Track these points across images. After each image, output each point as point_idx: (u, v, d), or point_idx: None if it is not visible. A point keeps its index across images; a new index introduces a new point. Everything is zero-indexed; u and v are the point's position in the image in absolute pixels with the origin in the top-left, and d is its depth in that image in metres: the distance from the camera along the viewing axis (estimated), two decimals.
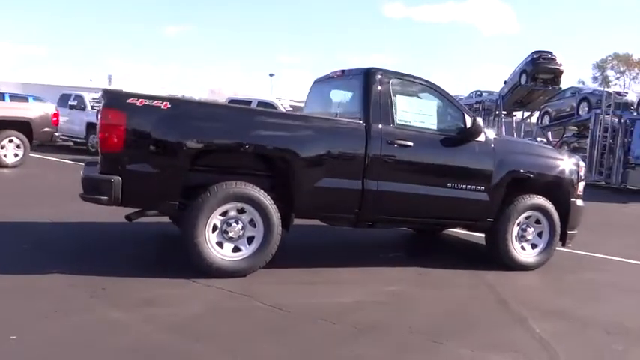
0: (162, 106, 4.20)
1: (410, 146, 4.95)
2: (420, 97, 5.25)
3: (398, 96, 5.04)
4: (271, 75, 60.03)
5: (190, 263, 4.40)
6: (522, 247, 5.57)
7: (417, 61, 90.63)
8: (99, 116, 4.47)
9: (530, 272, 5.47)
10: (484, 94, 26.88)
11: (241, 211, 4.47)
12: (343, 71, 5.56)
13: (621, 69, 66.80)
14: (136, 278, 4.26)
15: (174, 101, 4.28)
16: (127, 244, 5.49)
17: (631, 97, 19.82)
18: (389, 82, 5.04)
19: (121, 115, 4.11)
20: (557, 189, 5.69)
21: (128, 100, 4.14)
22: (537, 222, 5.60)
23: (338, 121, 4.83)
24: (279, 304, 3.90)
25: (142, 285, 4.13)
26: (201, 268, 4.38)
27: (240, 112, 4.75)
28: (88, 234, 5.77)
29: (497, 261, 5.51)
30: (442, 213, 5.29)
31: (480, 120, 5.12)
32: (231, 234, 4.45)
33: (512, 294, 4.66)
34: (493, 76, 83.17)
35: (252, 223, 4.52)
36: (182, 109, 4.35)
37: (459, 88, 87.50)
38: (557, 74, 21.20)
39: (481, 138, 5.25)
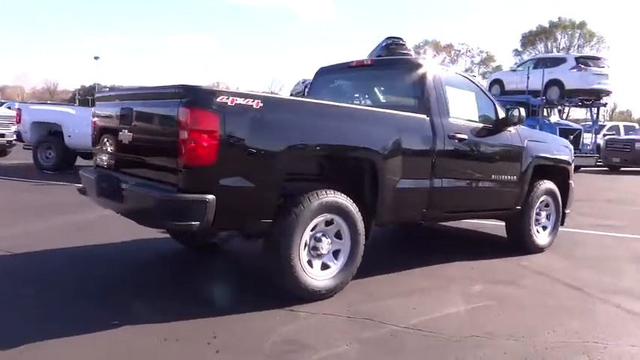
0: (254, 105, 3.44)
1: (465, 139, 4.79)
2: (460, 88, 5.08)
3: (446, 87, 4.82)
4: (96, 58, 55.24)
5: (257, 287, 3.78)
6: (537, 231, 5.79)
7: (245, 45, 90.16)
8: (131, 121, 3.60)
9: (546, 254, 5.72)
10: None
11: (329, 223, 3.91)
12: (376, 60, 5.15)
13: (432, 54, 74.20)
14: (226, 316, 3.49)
15: (266, 99, 3.53)
16: (145, 270, 4.51)
17: None
18: (438, 73, 4.80)
19: (213, 117, 3.27)
20: (561, 172, 6.01)
21: (219, 99, 3.31)
22: (546, 205, 5.87)
23: (408, 116, 4.46)
24: (411, 325, 3.49)
25: (247, 323, 3.40)
26: (296, 293, 3.76)
27: (336, 109, 4.11)
28: (85, 263, 4.60)
29: (520, 247, 5.66)
30: (489, 204, 5.25)
31: (522, 110, 5.13)
32: (321, 250, 3.88)
33: (567, 276, 4.80)
34: (315, 60, 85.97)
35: (337, 235, 3.99)
36: (275, 107, 3.61)
37: (289, 74, 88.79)
38: None
39: (511, 127, 5.30)
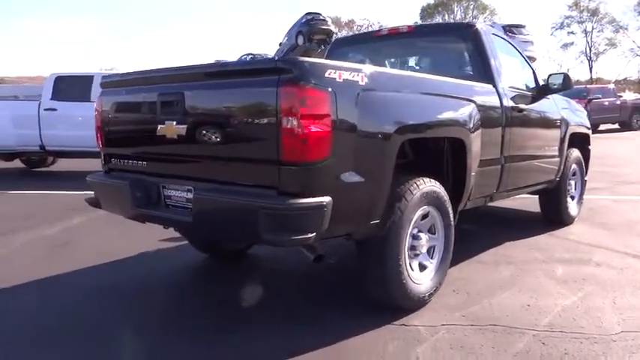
0: (359, 81, 2.74)
1: (524, 110, 4.37)
2: (508, 54, 4.62)
3: (500, 54, 4.35)
4: None
5: (336, 300, 3.13)
6: (568, 202, 5.56)
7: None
8: (182, 110, 2.86)
9: (578, 225, 5.51)
10: (257, 56, 26.66)
11: (424, 217, 3.33)
12: (416, 27, 4.57)
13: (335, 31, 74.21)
14: (343, 341, 2.82)
15: (370, 73, 2.82)
16: (202, 287, 3.68)
17: None
18: (491, 37, 4.31)
19: (325, 98, 2.54)
20: (584, 139, 5.80)
21: (327, 74, 2.58)
22: (574, 174, 5.65)
23: (482, 86, 3.92)
24: (548, 327, 3.02)
25: (370, 347, 2.75)
26: (403, 304, 3.17)
27: (432, 82, 3.45)
28: (107, 294, 3.65)
29: (556, 220, 5.41)
30: (540, 177, 4.88)
31: (566, 76, 4.77)
32: (419, 249, 3.30)
33: (624, 247, 4.58)
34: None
35: (430, 230, 3.42)
36: (380, 82, 2.91)
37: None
38: (329, 35, 22.30)
39: (548, 95, 4.95)
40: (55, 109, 9.32)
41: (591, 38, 54.32)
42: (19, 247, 4.87)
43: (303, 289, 3.75)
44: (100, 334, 2.99)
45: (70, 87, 9.40)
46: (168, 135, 3.02)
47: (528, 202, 6.09)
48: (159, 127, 3.05)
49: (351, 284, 3.70)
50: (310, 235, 2.50)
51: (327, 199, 2.54)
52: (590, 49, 54.52)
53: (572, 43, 55.45)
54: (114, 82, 3.49)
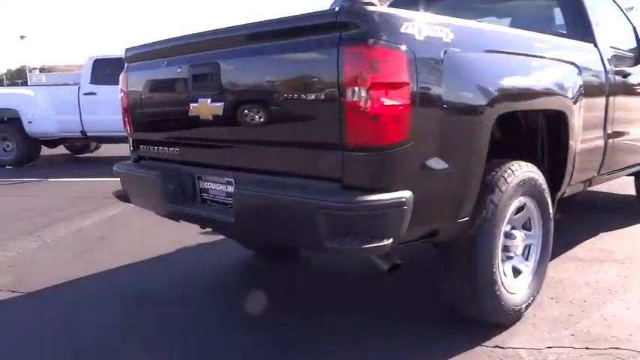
0: (444, 37, 2.09)
1: (629, 74, 3.60)
2: (604, 5, 3.83)
3: (597, 5, 3.57)
4: None
5: (405, 314, 2.51)
6: None
7: None
8: (217, 84, 2.27)
9: None
10: None
11: (519, 210, 2.67)
12: None
13: None
14: None
15: (457, 27, 2.17)
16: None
17: None
18: None
19: (401, 60, 1.92)
20: None
21: (403, 28, 1.94)
22: None
23: (581, 45, 3.20)
24: None
25: None
26: (494, 318, 2.55)
27: (530, 40, 2.78)
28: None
29: None
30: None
31: None
32: (513, 250, 2.65)
33: None
34: None
35: (525, 225, 2.75)
36: (470, 39, 2.26)
37: None
38: None
39: None
40: (94, 94, 9.01)
41: None
42: (52, 242, 4.49)
43: (365, 296, 3.15)
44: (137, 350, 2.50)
45: (109, 70, 9.03)
46: (202, 115, 2.47)
47: (614, 185, 5.27)
48: (191, 106, 2.50)
49: (424, 290, 3.09)
50: (386, 243, 1.90)
51: (406, 194, 1.93)
52: None
53: None
54: (140, 55, 2.95)
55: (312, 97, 2.02)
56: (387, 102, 1.87)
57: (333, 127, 1.95)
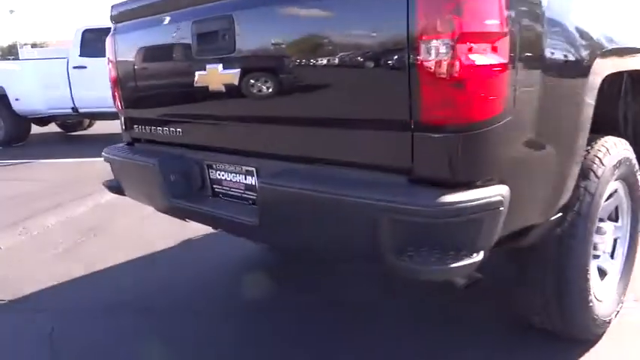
0: None
1: None
2: None
3: None
4: None
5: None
6: None
7: None
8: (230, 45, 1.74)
9: None
10: None
11: (607, 198, 2.14)
12: None
13: None
14: None
15: None
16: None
17: None
18: None
19: (495, 3, 1.36)
20: None
21: None
22: None
23: None
24: None
25: None
26: (581, 334, 2.05)
27: None
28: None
29: None
30: None
31: None
32: (601, 247, 2.14)
33: None
34: None
35: (610, 216, 2.24)
36: None
37: None
38: None
39: None
40: (84, 67, 8.36)
41: None
42: (40, 235, 3.97)
43: (418, 302, 2.64)
44: None
45: (100, 41, 8.38)
46: (211, 86, 1.92)
47: None
48: (197, 74, 1.95)
49: (489, 298, 2.59)
50: (477, 259, 1.38)
51: (503, 189, 1.41)
52: None
53: None
54: (130, 12, 2.38)
55: (368, 56, 1.47)
56: (480, 60, 1.33)
57: (399, 98, 1.41)
